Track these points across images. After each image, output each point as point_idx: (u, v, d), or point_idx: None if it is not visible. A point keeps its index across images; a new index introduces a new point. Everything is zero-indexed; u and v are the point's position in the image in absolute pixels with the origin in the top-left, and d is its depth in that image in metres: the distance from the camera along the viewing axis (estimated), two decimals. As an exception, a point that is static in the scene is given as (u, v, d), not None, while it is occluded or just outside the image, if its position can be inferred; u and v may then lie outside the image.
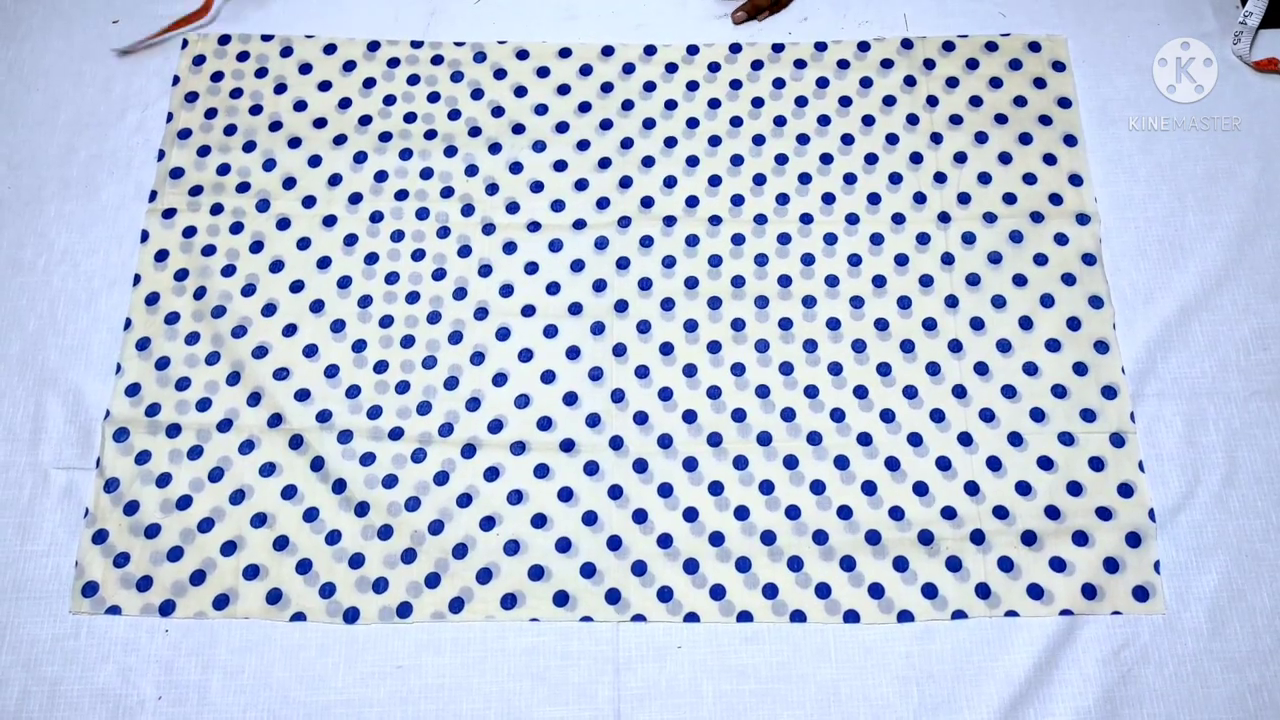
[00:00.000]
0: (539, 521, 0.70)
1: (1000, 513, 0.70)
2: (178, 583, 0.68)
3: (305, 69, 0.85)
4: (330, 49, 0.85)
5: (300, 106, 0.83)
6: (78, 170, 0.81)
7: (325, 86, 0.84)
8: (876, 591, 0.68)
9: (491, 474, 0.71)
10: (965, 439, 0.72)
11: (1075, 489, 0.70)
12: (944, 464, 0.71)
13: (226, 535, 0.69)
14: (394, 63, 0.85)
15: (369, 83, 0.84)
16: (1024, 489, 0.70)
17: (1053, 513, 0.70)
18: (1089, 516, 0.69)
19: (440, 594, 0.68)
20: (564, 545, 0.69)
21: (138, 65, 0.85)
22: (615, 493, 0.71)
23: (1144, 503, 0.70)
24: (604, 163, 0.81)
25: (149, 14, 0.87)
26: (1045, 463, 0.71)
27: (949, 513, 0.70)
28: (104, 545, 0.69)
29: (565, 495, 0.71)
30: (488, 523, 0.70)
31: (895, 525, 0.70)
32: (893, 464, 0.71)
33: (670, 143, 0.82)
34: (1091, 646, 0.66)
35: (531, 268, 0.78)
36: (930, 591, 0.68)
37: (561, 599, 0.68)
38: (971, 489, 0.70)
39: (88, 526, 0.69)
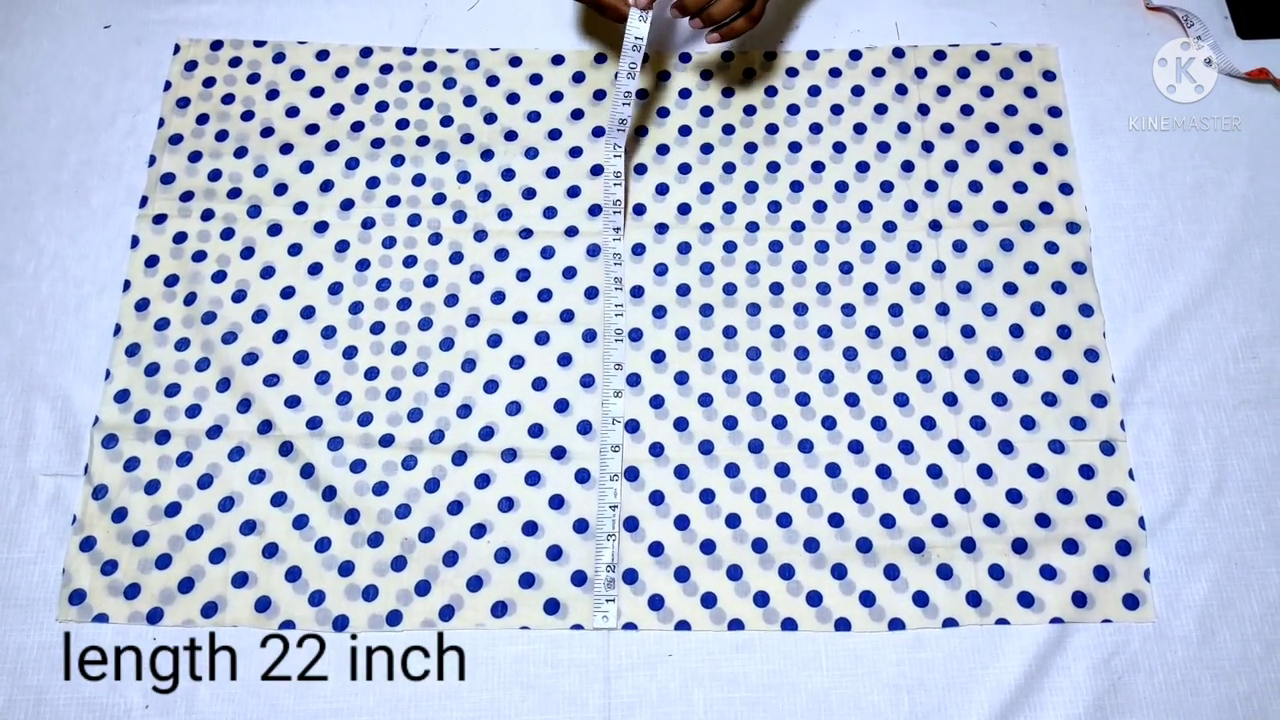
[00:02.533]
0: (530, 529, 0.70)
1: (991, 521, 0.70)
2: (166, 590, 0.68)
3: (298, 75, 0.84)
4: (323, 55, 0.85)
5: (292, 112, 0.83)
6: (68, 175, 0.81)
7: (317, 92, 0.84)
8: (867, 599, 0.68)
9: (482, 481, 0.71)
10: (956, 447, 0.72)
11: (1065, 497, 0.70)
12: (935, 472, 0.71)
13: (215, 543, 0.69)
14: (386, 69, 0.85)
15: (361, 89, 0.84)
16: (1014, 497, 0.70)
17: (1043, 521, 0.70)
18: (1079, 524, 0.70)
19: (430, 602, 0.68)
20: (555, 553, 0.69)
21: (129, 70, 0.85)
22: (606, 500, 0.71)
23: (1134, 511, 0.70)
24: (596, 170, 0.81)
25: (141, 19, 0.87)
26: (1036, 471, 0.71)
27: (940, 521, 0.70)
28: (92, 552, 0.69)
29: (556, 503, 0.71)
30: (478, 530, 0.70)
31: (886, 533, 0.70)
32: (884, 472, 0.71)
33: (663, 150, 0.82)
34: (1082, 654, 0.66)
35: (523, 274, 0.78)
36: (921, 599, 0.68)
37: (552, 607, 0.68)
38: (962, 497, 0.70)
39: (75, 533, 0.69)
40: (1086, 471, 0.71)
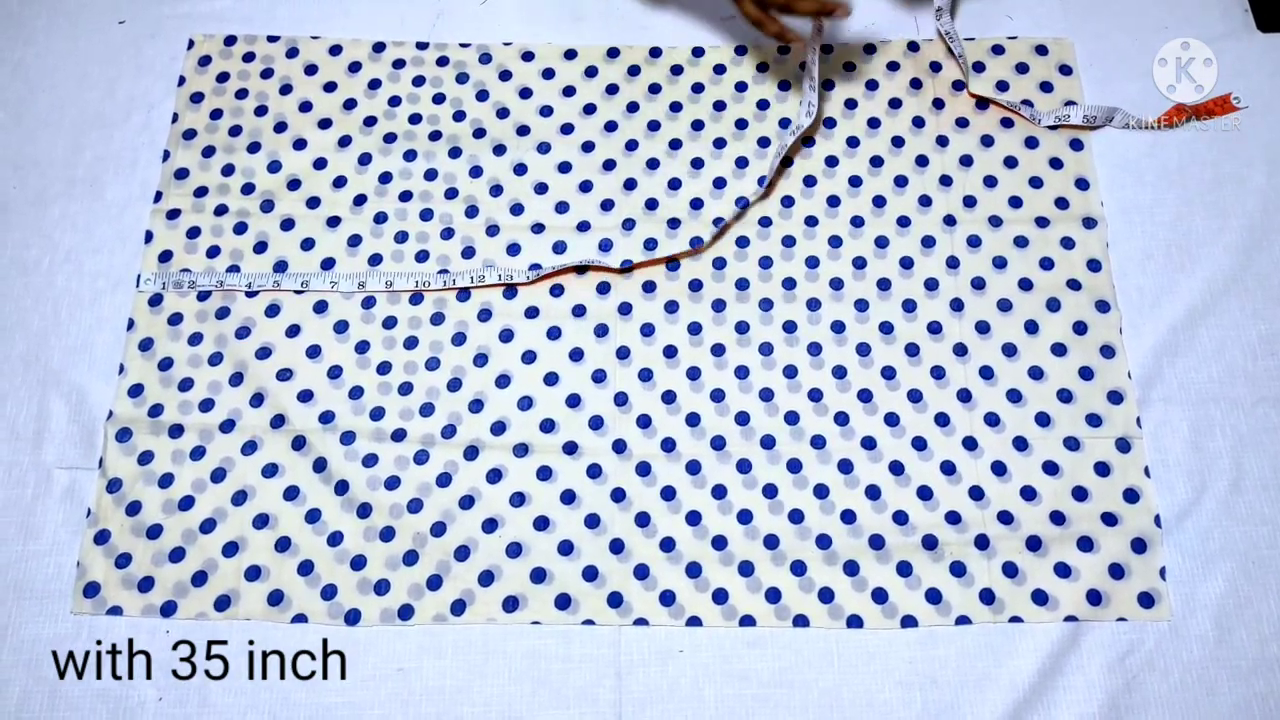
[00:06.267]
0: (541, 524, 0.70)
1: (1005, 518, 0.69)
2: (179, 583, 0.68)
3: (311, 70, 0.84)
4: (336, 50, 0.85)
5: (305, 107, 0.83)
6: (83, 170, 0.81)
7: (330, 87, 0.84)
8: (880, 596, 0.68)
9: (493, 476, 0.71)
10: (970, 443, 0.71)
11: (1081, 494, 0.70)
12: (948, 468, 0.71)
13: (228, 536, 0.69)
14: (399, 64, 0.85)
15: (374, 84, 0.84)
16: (1029, 494, 0.70)
17: (1058, 518, 0.69)
18: (1094, 522, 0.69)
19: (442, 596, 0.68)
20: (566, 548, 0.69)
21: (144, 66, 0.85)
22: (618, 495, 0.70)
23: (1150, 508, 0.69)
24: (608, 164, 0.81)
25: (156, 14, 0.87)
26: (1050, 467, 0.71)
27: (953, 517, 0.69)
28: (106, 546, 0.69)
29: (567, 498, 0.70)
30: (489, 525, 0.70)
31: (899, 530, 0.69)
32: (897, 468, 0.71)
33: (675, 145, 0.82)
34: (1096, 653, 0.66)
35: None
36: (934, 596, 0.67)
37: (563, 602, 0.68)
38: (976, 493, 0.70)
39: (90, 527, 0.69)
40: (1102, 469, 0.70)
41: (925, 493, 0.70)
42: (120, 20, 0.87)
